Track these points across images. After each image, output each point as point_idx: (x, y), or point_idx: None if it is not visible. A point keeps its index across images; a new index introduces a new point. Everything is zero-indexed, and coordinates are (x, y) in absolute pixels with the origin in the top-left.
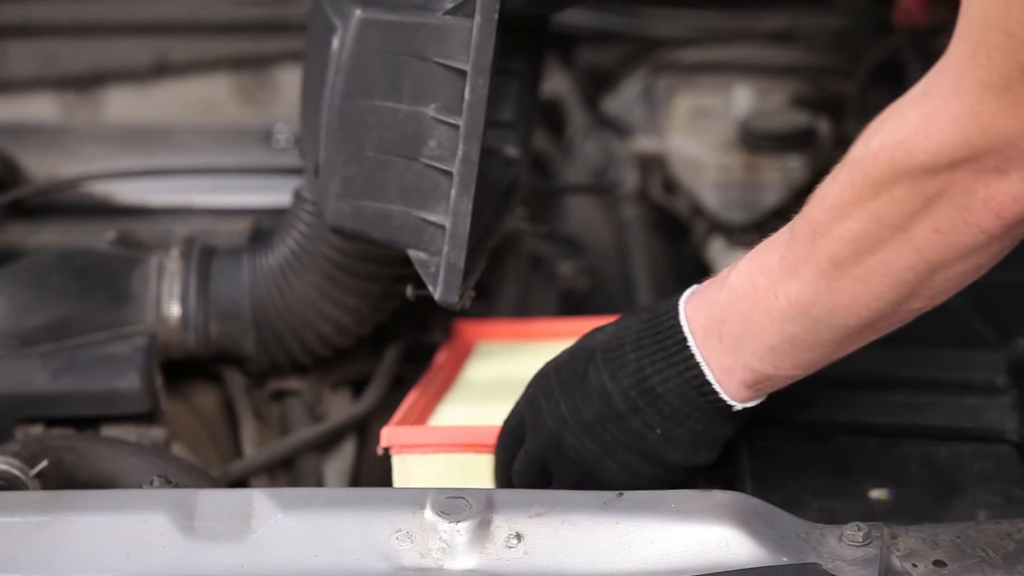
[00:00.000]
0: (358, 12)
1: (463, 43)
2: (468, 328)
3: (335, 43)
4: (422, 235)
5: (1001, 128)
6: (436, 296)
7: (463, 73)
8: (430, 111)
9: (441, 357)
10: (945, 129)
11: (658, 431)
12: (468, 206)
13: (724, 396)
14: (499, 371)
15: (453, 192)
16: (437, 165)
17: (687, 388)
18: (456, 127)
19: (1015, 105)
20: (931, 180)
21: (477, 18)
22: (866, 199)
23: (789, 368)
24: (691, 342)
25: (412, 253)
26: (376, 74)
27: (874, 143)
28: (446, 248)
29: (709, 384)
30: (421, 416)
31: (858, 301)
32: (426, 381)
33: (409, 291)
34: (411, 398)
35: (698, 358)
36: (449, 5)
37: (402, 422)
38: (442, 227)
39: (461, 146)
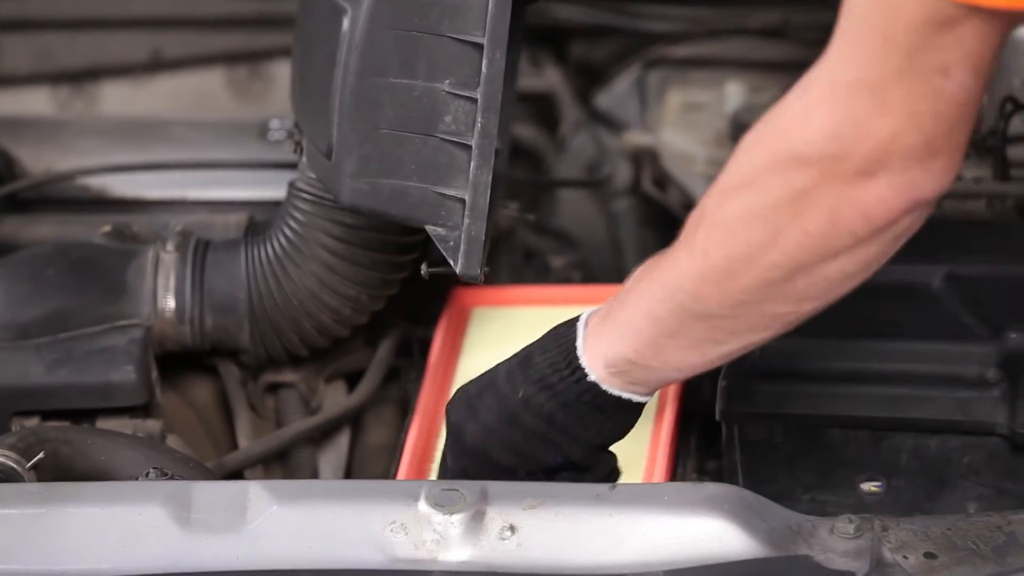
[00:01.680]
0: None
1: (478, 17)
2: (466, 295)
3: (346, 24)
4: (440, 210)
5: (871, 128)
6: (458, 269)
7: (478, 47)
8: (445, 86)
9: (441, 330)
10: (819, 121)
11: (554, 419)
12: (488, 178)
13: (591, 375)
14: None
15: (472, 164)
16: (454, 139)
17: (567, 372)
18: (472, 101)
19: (885, 107)
20: (803, 172)
21: None
22: (743, 185)
23: (651, 357)
24: (580, 331)
25: (430, 229)
26: (390, 52)
27: (760, 130)
28: (466, 221)
29: (581, 367)
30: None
31: (723, 291)
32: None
33: (424, 269)
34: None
35: (578, 343)
36: None
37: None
38: (460, 201)
39: (480, 118)
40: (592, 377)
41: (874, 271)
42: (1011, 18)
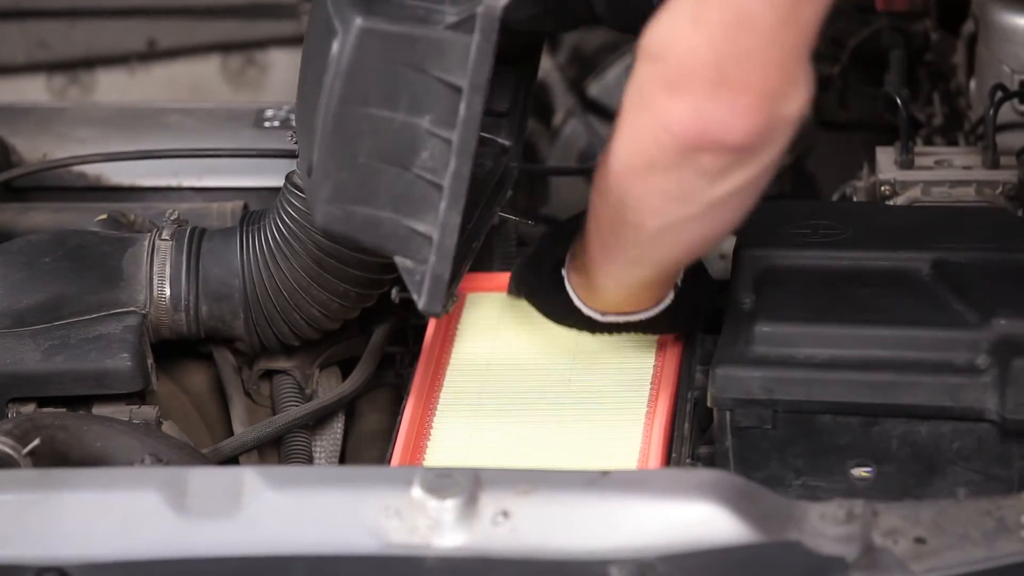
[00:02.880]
0: (359, 20)
1: (461, 59)
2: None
3: (335, 47)
4: (409, 243)
5: (679, 35)
6: (420, 305)
7: (459, 89)
8: (424, 123)
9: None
10: (661, 20)
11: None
12: (457, 220)
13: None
14: (493, 331)
15: (442, 205)
16: (428, 177)
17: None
18: (449, 141)
19: (696, 16)
20: (642, 65)
21: (476, 36)
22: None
23: (588, 259)
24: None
25: (399, 260)
26: (373, 82)
27: None
28: (432, 259)
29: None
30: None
31: (597, 186)
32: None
33: (394, 294)
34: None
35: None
36: (451, 20)
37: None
38: (429, 238)
39: (453, 161)
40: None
41: (706, 208)
42: None
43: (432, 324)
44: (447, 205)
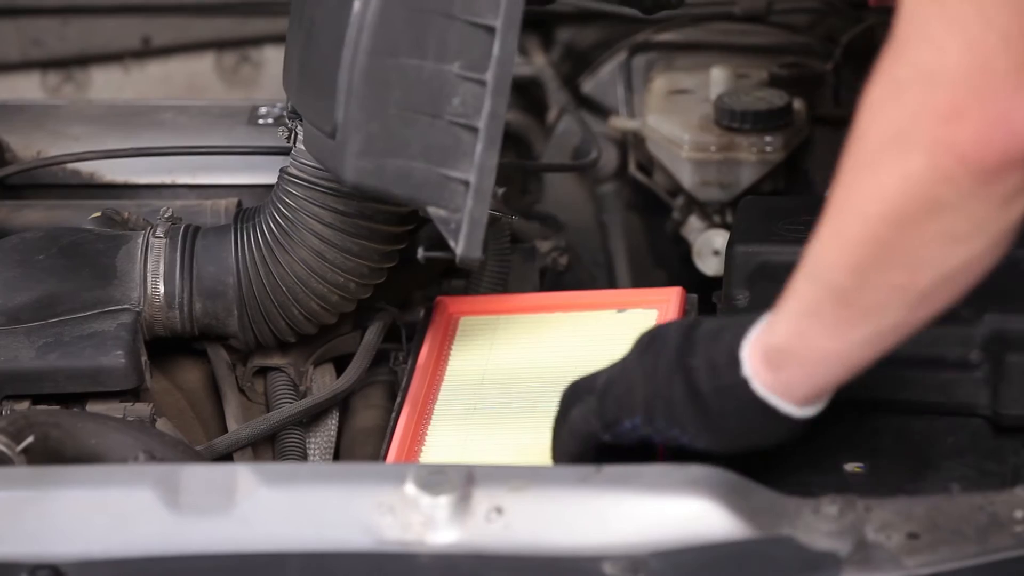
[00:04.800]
0: None
1: (492, 0)
2: (451, 304)
3: (357, 5)
4: (443, 191)
5: (939, 54)
6: (459, 251)
7: (490, 30)
8: (455, 68)
9: (429, 336)
10: (905, 44)
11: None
12: (494, 161)
13: (746, 367)
14: (487, 350)
15: (479, 147)
16: (461, 121)
17: (725, 359)
18: (481, 83)
19: (962, 20)
20: (899, 103)
21: None
22: (856, 133)
23: (797, 344)
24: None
25: (432, 210)
26: (401, 31)
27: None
28: (470, 203)
29: (739, 358)
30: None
31: (840, 252)
32: (422, 364)
33: (420, 253)
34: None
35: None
36: None
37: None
38: (464, 183)
39: (488, 101)
40: (746, 371)
41: (992, 243)
42: None
43: (426, 344)
44: (484, 147)
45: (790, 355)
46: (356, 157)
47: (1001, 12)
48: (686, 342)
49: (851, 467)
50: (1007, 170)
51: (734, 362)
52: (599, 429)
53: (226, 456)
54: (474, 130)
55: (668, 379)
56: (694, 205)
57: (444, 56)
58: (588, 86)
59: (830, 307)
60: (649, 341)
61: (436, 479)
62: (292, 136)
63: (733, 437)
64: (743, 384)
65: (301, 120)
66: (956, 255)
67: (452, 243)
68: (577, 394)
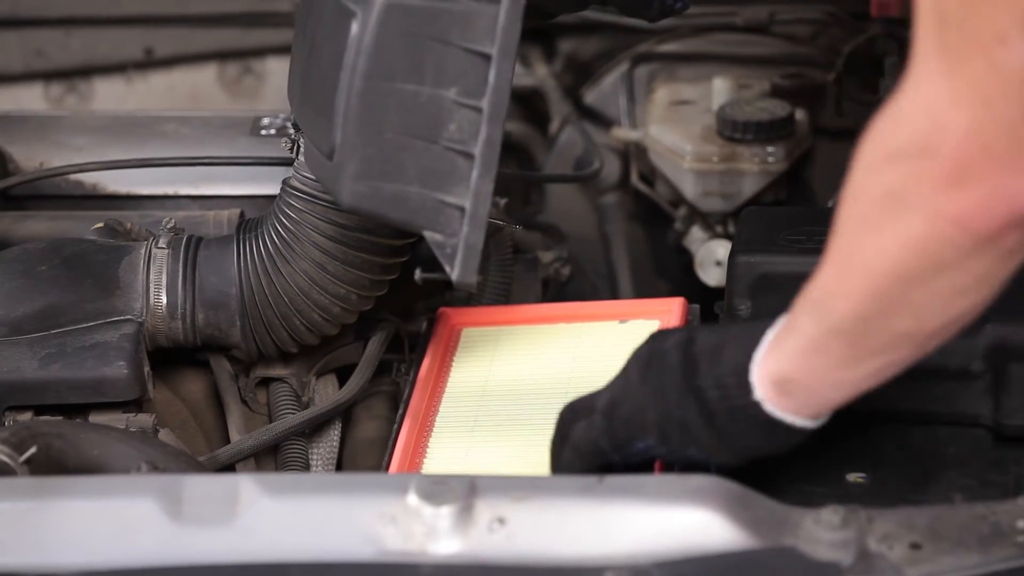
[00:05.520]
0: None
1: (488, 28)
2: (453, 315)
3: (354, 28)
4: (439, 216)
5: (948, 120)
6: (454, 276)
7: (486, 57)
8: (451, 94)
9: (431, 348)
10: (906, 112)
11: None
12: (489, 188)
13: (757, 392)
14: (488, 361)
15: (475, 173)
16: (457, 147)
17: (736, 387)
18: (477, 110)
19: (955, 93)
20: (895, 170)
21: (505, 2)
22: (852, 189)
23: (806, 375)
24: (762, 344)
25: (428, 234)
26: (399, 57)
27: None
28: (465, 229)
29: (749, 383)
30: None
31: (846, 301)
32: (423, 375)
33: (417, 274)
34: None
35: (755, 355)
36: None
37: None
38: (459, 209)
39: (485, 128)
40: (757, 395)
41: (997, 289)
42: None
43: (428, 354)
44: (479, 173)
45: (799, 384)
46: (352, 180)
47: (1006, 103)
48: (688, 361)
49: (853, 477)
50: (1007, 233)
51: (744, 385)
52: (609, 450)
53: (228, 467)
54: (470, 156)
55: (680, 401)
56: (696, 216)
57: (441, 82)
58: (590, 97)
59: (837, 347)
60: (648, 359)
61: (438, 489)
62: (295, 148)
63: (749, 451)
64: (755, 405)
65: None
66: (961, 305)
67: (448, 268)
68: (577, 414)
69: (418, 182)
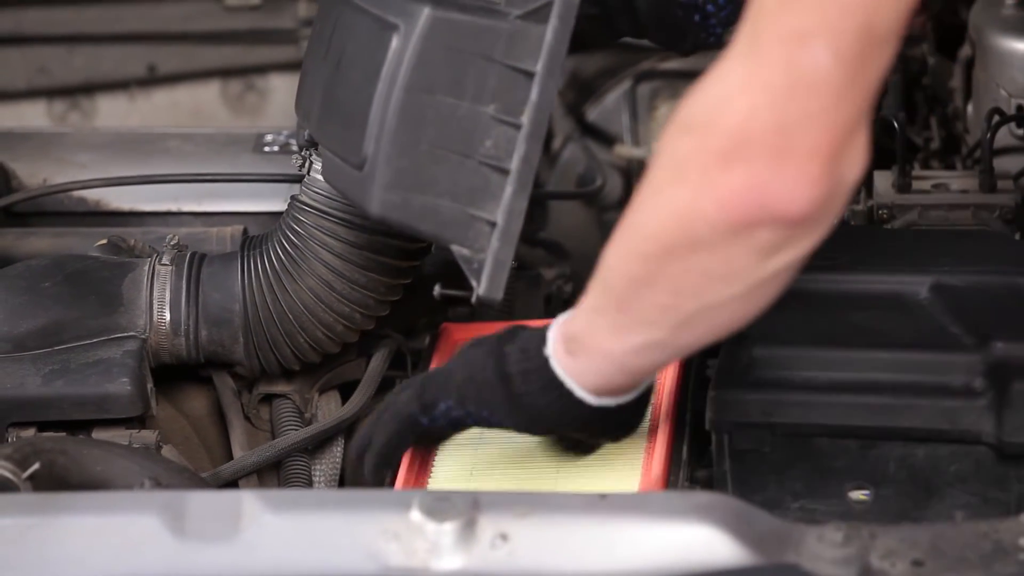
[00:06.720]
0: (427, 10)
1: (533, 47)
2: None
3: (395, 41)
4: (468, 231)
5: (734, 100)
6: (480, 291)
7: (529, 75)
8: (490, 110)
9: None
10: (705, 87)
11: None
12: (523, 205)
13: (548, 347)
14: None
15: (509, 190)
16: (492, 163)
17: (536, 340)
18: (516, 127)
19: (748, 77)
20: (684, 138)
21: (554, 22)
22: (655, 150)
23: (585, 334)
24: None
25: (456, 248)
26: (440, 71)
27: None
28: (495, 244)
29: (545, 338)
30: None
31: (619, 258)
32: None
33: (436, 290)
34: None
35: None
36: (518, 12)
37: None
38: (490, 224)
39: (523, 145)
40: (548, 350)
41: (751, 289)
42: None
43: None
44: (514, 190)
45: (581, 345)
46: (383, 190)
47: (788, 101)
48: (507, 332)
49: (856, 494)
50: (758, 227)
51: (541, 342)
52: (418, 411)
53: (231, 483)
54: (504, 172)
55: (483, 363)
56: None
57: (481, 98)
58: (593, 114)
59: (611, 309)
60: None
61: (441, 506)
62: (306, 165)
63: (535, 418)
64: (545, 364)
65: (315, 148)
66: (714, 291)
67: (474, 282)
68: (404, 386)
69: (450, 195)
